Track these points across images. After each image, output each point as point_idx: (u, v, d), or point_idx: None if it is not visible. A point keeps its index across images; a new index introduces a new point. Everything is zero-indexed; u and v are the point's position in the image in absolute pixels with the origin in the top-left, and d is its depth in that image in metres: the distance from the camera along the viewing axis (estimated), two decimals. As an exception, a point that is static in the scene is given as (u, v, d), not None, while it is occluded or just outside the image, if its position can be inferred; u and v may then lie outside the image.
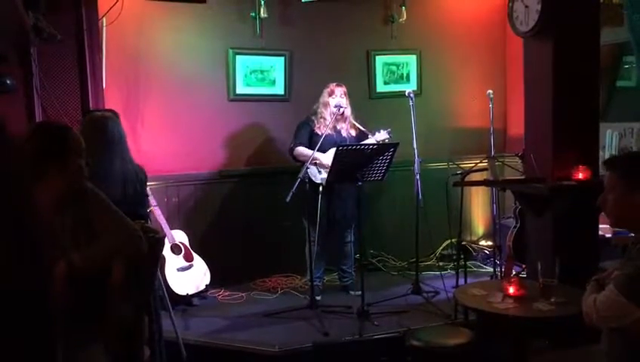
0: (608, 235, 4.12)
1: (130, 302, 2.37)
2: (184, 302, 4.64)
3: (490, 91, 5.14)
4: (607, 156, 4.45)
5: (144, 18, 4.97)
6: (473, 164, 4.77)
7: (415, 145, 4.69)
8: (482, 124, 5.47)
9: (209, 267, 4.84)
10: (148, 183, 4.53)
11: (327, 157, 4.47)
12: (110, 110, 3.64)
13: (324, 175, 4.46)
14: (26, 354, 0.79)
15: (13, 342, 0.77)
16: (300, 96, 5.36)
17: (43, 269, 0.85)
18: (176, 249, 4.71)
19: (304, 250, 4.75)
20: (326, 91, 4.73)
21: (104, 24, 4.47)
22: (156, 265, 2.84)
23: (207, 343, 4.01)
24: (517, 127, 5.33)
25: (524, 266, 4.57)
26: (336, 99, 4.66)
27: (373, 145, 4.40)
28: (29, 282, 0.80)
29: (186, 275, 4.68)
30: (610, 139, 4.76)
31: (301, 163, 4.61)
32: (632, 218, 2.28)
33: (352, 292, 4.83)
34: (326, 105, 4.70)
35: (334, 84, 4.73)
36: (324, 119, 4.69)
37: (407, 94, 4.76)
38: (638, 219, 2.27)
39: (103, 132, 3.21)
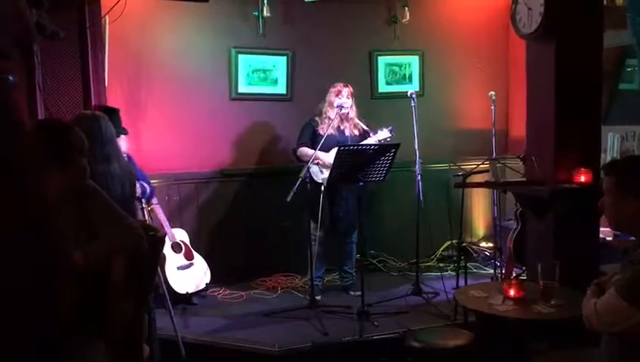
0: (609, 238, 4.11)
1: (130, 300, 2.37)
2: (184, 300, 4.64)
3: (493, 93, 5.14)
4: (608, 159, 4.46)
5: (147, 16, 4.97)
6: (475, 166, 4.77)
7: (416, 146, 4.69)
8: (484, 126, 5.47)
9: (209, 266, 4.84)
10: (149, 181, 4.55)
11: (329, 156, 4.47)
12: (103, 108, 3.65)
13: (326, 174, 4.46)
14: (33, 351, 0.79)
15: (20, 339, 0.76)
16: (302, 95, 5.36)
17: (55, 263, 0.85)
18: (176, 247, 4.71)
19: (305, 250, 4.75)
20: (332, 91, 4.74)
21: (107, 22, 4.47)
22: (157, 264, 2.84)
23: (207, 342, 4.01)
24: (519, 129, 5.32)
25: (524, 268, 4.57)
26: (343, 99, 4.67)
27: (375, 145, 4.40)
28: (42, 274, 0.80)
29: (187, 274, 4.68)
30: (612, 142, 4.76)
31: (304, 163, 4.62)
32: (627, 222, 2.30)
33: (352, 293, 4.83)
34: (332, 105, 4.71)
35: (342, 84, 4.74)
36: (329, 119, 4.70)
37: (409, 95, 4.76)
38: (633, 224, 2.28)
39: (99, 131, 3.20)
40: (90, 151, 2.46)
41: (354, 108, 4.77)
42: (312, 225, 4.61)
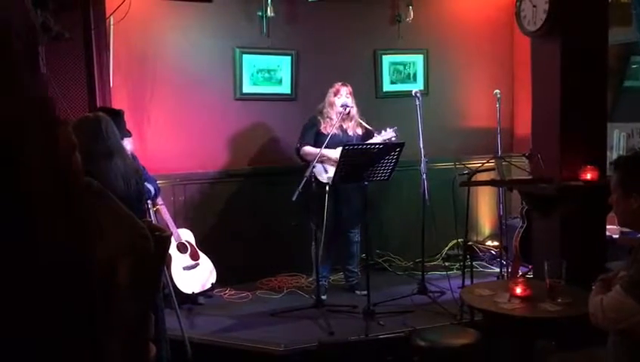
0: (615, 236, 4.10)
1: (136, 300, 2.37)
2: (190, 300, 4.64)
3: (498, 91, 5.12)
4: (614, 156, 4.44)
5: (151, 17, 4.98)
6: (480, 164, 4.76)
7: (421, 145, 4.68)
8: (489, 124, 5.45)
9: (215, 266, 4.84)
10: (155, 180, 4.56)
11: (335, 152, 4.46)
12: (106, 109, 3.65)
13: (331, 174, 4.45)
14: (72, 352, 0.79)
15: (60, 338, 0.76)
16: (307, 95, 5.35)
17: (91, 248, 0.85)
18: (182, 247, 4.72)
19: (310, 250, 4.75)
20: (331, 91, 4.74)
21: (111, 23, 4.49)
22: (163, 264, 2.84)
23: (213, 342, 4.02)
24: (524, 127, 5.31)
25: (530, 266, 4.56)
26: (342, 98, 4.67)
27: (380, 144, 4.40)
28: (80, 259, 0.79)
29: (192, 274, 4.69)
30: (618, 140, 4.75)
31: (307, 162, 4.61)
32: (630, 218, 2.30)
33: (357, 292, 4.82)
34: (332, 104, 4.71)
35: (340, 83, 4.74)
36: (330, 119, 4.70)
37: (413, 94, 4.75)
38: (636, 221, 2.28)
39: (99, 128, 3.20)
40: (90, 148, 2.46)
41: (354, 107, 4.77)
42: (317, 225, 4.60)
